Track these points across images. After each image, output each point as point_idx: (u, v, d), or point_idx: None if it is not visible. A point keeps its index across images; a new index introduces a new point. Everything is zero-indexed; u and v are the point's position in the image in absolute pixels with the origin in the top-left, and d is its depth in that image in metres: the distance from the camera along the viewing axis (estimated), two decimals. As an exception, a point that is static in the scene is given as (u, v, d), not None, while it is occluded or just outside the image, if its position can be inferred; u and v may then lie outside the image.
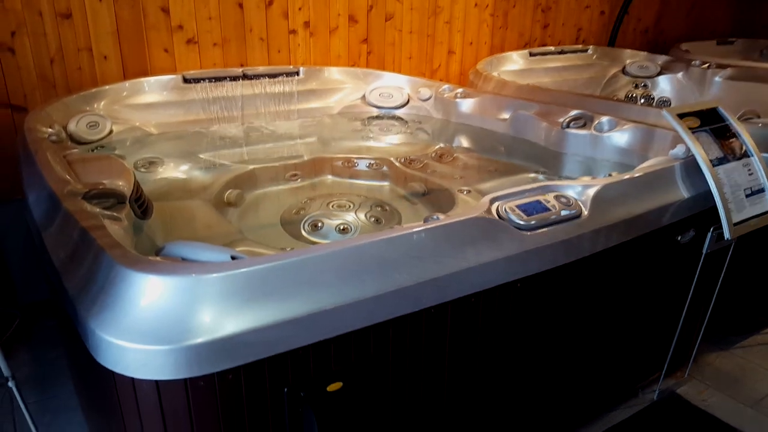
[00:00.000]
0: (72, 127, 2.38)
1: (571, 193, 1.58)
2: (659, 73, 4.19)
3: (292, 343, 1.13)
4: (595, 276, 1.64)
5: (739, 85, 3.87)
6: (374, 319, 1.21)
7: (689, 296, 1.97)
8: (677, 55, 4.44)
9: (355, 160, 2.62)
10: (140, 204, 1.74)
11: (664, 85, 4.20)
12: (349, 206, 2.19)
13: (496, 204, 1.47)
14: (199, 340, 1.03)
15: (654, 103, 4.19)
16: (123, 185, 1.70)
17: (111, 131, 2.54)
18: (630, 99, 4.21)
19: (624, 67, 4.28)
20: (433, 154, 2.70)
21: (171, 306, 1.05)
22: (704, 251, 1.91)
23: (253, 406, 1.16)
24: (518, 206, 1.47)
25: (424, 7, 3.60)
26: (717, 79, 4.00)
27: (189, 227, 1.95)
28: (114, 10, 2.67)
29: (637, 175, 1.70)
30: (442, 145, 2.85)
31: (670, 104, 4.19)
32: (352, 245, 1.20)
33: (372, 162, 2.60)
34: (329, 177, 2.59)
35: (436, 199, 2.26)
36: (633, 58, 4.29)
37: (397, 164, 2.55)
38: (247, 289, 1.09)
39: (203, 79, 2.83)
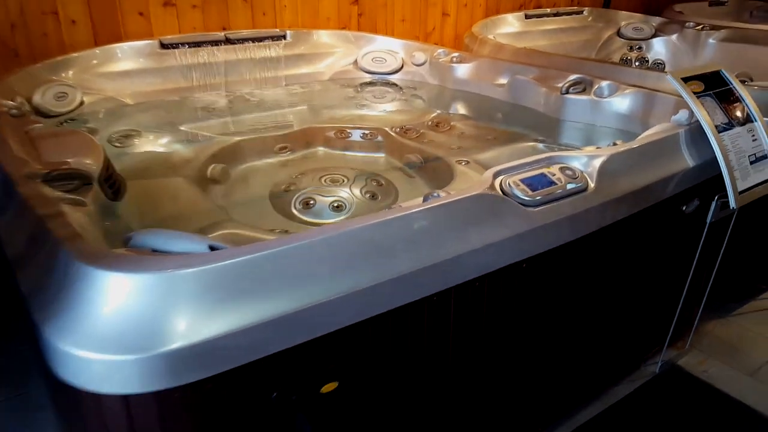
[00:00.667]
0: (37, 98, 2.22)
1: (576, 164, 1.48)
2: (654, 35, 4.11)
3: (280, 344, 1.02)
4: (601, 251, 1.55)
5: (732, 47, 3.80)
6: (371, 311, 1.11)
7: (693, 267, 1.89)
8: (671, 16, 4.34)
9: (349, 131, 2.50)
10: (111, 184, 1.62)
11: (659, 48, 4.11)
12: (343, 181, 2.08)
13: (499, 179, 1.37)
14: (173, 346, 0.91)
15: (648, 66, 4.10)
16: (91, 164, 1.57)
17: (82, 102, 2.39)
18: (625, 62, 4.11)
19: (619, 29, 4.17)
20: (430, 123, 2.58)
21: (139, 308, 0.92)
22: (708, 221, 1.83)
23: (237, 417, 1.05)
24: (523, 180, 1.37)
25: (417, -33, 3.44)
26: (711, 41, 3.91)
27: (168, 208, 1.83)
28: (83, -31, 2.50)
29: (642, 143, 1.61)
30: (438, 112, 2.74)
31: (664, 67, 4.11)
32: (344, 230, 1.09)
33: (366, 132, 2.48)
34: (321, 149, 2.47)
35: (434, 171, 2.16)
36: (628, 20, 4.19)
37: (393, 134, 2.44)
38: (227, 285, 0.98)
39: (182, 44, 2.67)
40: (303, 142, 2.47)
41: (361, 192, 2.02)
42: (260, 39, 2.84)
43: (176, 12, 2.76)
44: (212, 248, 1.08)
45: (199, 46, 2.72)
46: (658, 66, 4.09)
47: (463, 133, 2.49)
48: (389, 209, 1.22)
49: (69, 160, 1.56)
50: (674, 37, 4.02)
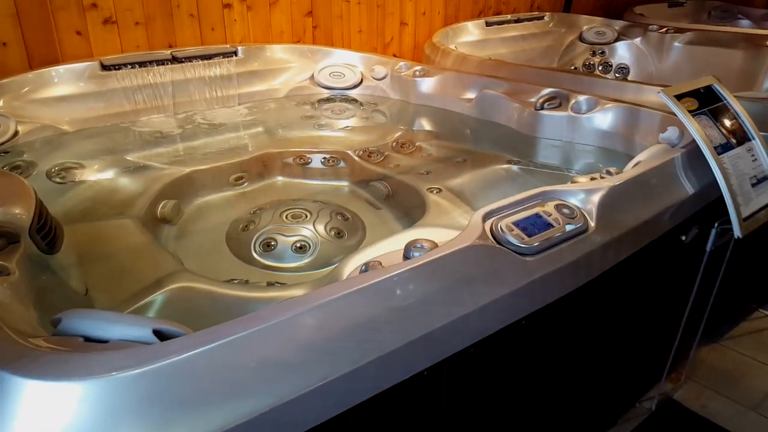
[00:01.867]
0: (-37, 131, 1.98)
1: (573, 200, 1.33)
2: (617, 39, 4.06)
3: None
4: (602, 296, 1.41)
5: (698, 50, 3.77)
6: (352, 400, 0.92)
7: (691, 297, 1.77)
8: (632, 18, 4.31)
9: (308, 156, 2.31)
10: (45, 234, 1.39)
11: (623, 52, 4.07)
12: (306, 216, 1.88)
13: (490, 222, 1.20)
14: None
15: (612, 71, 4.05)
16: (20, 214, 1.35)
17: (16, 133, 2.15)
18: (588, 67, 4.05)
19: (581, 34, 4.11)
20: (394, 143, 2.41)
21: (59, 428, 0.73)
22: (708, 249, 1.71)
23: None
24: (516, 223, 1.21)
25: (373, -25, 3.27)
26: (676, 44, 3.89)
27: (112, 259, 1.61)
28: (10, -12, 2.24)
29: (642, 172, 1.47)
30: (402, 131, 2.57)
31: (628, 72, 4.05)
32: (315, 304, 0.91)
33: (327, 157, 2.30)
34: (280, 178, 2.28)
35: (403, 201, 1.99)
36: (589, 24, 4.13)
37: (356, 158, 2.26)
38: (177, 389, 0.78)
39: (125, 65, 2.44)
40: (260, 171, 2.27)
41: (325, 229, 1.84)
42: (210, 56, 2.63)
43: (117, 30, 2.52)
44: (157, 333, 0.89)
45: (143, 66, 2.49)
46: (622, 70, 4.04)
47: (430, 154, 2.33)
48: (365, 270, 1.05)
49: (-8, 212, 1.33)
50: (638, 40, 3.97)
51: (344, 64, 2.92)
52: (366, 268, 1.07)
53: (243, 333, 0.85)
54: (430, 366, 1.02)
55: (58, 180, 2.05)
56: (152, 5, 2.57)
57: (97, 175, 2.11)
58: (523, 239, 1.18)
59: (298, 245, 1.79)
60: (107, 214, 1.89)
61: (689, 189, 1.55)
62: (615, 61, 4.04)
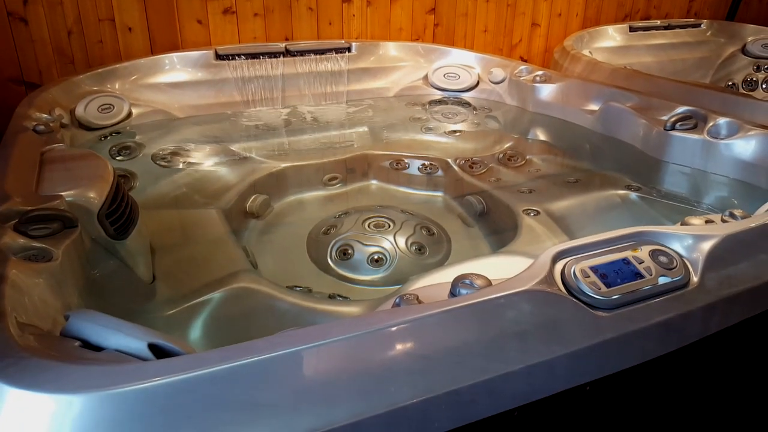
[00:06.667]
0: (80, 110, 2.10)
1: (676, 246, 1.10)
2: (789, 54, 3.51)
3: None
4: (699, 367, 1.15)
5: None
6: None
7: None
8: (812, 31, 3.72)
9: (407, 161, 2.19)
10: (115, 220, 1.40)
11: (794, 69, 3.52)
12: (388, 226, 1.78)
13: (561, 264, 1.01)
14: None
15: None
16: (93, 198, 1.36)
17: (129, 114, 2.25)
18: (749, 84, 3.55)
19: (744, 46, 3.62)
20: (501, 155, 2.23)
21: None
22: None
23: None
24: (595, 269, 1.01)
25: (505, -29, 3.08)
26: None
27: (186, 249, 1.61)
28: (139, -25, 2.35)
29: (773, 219, 1.19)
30: (512, 142, 2.37)
31: (799, 92, 3.51)
32: (323, 341, 0.79)
33: (426, 163, 2.17)
34: (374, 182, 2.20)
35: (495, 221, 1.82)
36: (756, 35, 3.63)
37: (456, 168, 2.11)
38: (148, 415, 0.71)
39: (238, 56, 2.48)
40: (356, 172, 2.20)
41: (406, 243, 1.72)
42: (323, 51, 2.60)
43: (236, 20, 2.57)
44: (155, 348, 0.82)
45: (256, 58, 2.51)
46: (792, 90, 3.51)
47: (539, 170, 2.12)
48: (398, 304, 0.91)
49: (64, 193, 1.36)
50: (815, 56, 3.43)
51: (461, 65, 2.77)
52: (399, 302, 0.94)
53: (234, 364, 0.75)
54: (453, 428, 0.86)
55: (162, 163, 2.11)
56: (272, -3, 2.59)
57: (198, 162, 2.15)
58: (600, 289, 0.98)
59: (375, 257, 1.70)
60: (197, 203, 1.91)
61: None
62: (784, 80, 3.52)
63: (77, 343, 0.83)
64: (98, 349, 0.83)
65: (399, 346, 0.83)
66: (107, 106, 2.20)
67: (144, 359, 0.80)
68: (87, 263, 1.27)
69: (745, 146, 1.80)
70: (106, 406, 0.70)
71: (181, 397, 0.73)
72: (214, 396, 0.74)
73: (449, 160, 2.15)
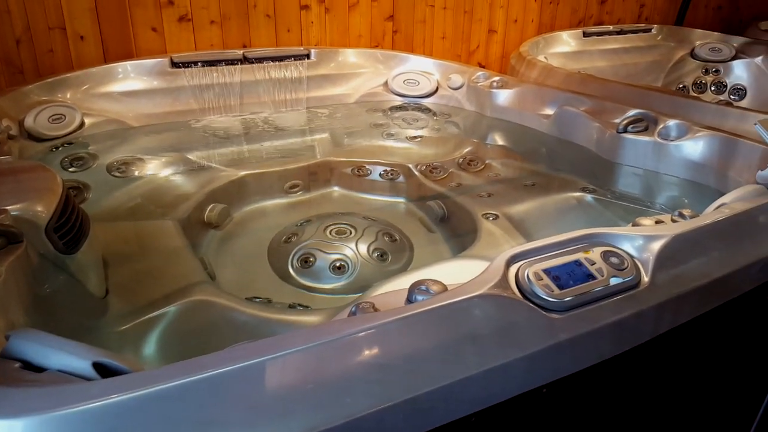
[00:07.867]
0: (29, 121, 2.04)
1: (626, 247, 1.12)
2: (734, 57, 3.65)
3: None
4: (653, 365, 1.18)
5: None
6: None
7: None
8: (755, 35, 3.87)
9: (368, 167, 2.19)
10: (64, 234, 1.36)
11: (740, 72, 3.66)
12: (350, 233, 1.77)
13: (515, 267, 1.02)
14: None
15: (727, 92, 3.64)
16: (40, 211, 1.32)
17: (82, 124, 2.20)
18: (699, 86, 3.67)
19: (693, 50, 3.73)
20: (461, 159, 2.25)
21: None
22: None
23: None
24: (548, 271, 1.02)
25: (461, -22, 3.11)
26: (805, 67, 3.43)
27: (141, 262, 1.57)
28: (91, -17, 2.30)
29: (720, 219, 1.22)
30: (472, 147, 2.39)
31: (745, 93, 3.63)
32: (276, 354, 0.78)
33: (387, 169, 2.17)
34: (336, 189, 2.19)
35: (456, 226, 1.83)
36: (704, 39, 3.75)
37: (417, 173, 2.12)
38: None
39: (195, 63, 2.44)
40: (317, 179, 2.19)
41: (368, 250, 1.71)
42: (281, 58, 2.59)
43: (192, 28, 2.54)
44: (98, 366, 0.80)
45: (213, 65, 2.48)
46: (738, 92, 3.63)
47: (497, 174, 2.14)
48: (354, 313, 0.91)
49: (9, 207, 1.31)
50: (759, 59, 3.56)
51: (420, 72, 2.78)
52: (356, 310, 0.93)
53: (183, 381, 0.74)
54: (413, 437, 0.86)
55: (117, 174, 2.07)
56: (228, 4, 2.56)
57: (154, 172, 2.11)
58: (553, 291, 0.99)
59: (337, 265, 1.68)
60: (153, 214, 1.87)
61: (785, 242, 1.28)
62: (730, 81, 3.64)
63: (17, 365, 0.80)
64: (40, 370, 0.81)
65: (355, 356, 0.83)
66: (58, 116, 2.15)
67: (88, 379, 0.78)
68: (34, 280, 1.23)
69: (693, 147, 1.85)
70: (48, 430, 0.68)
71: (128, 417, 0.71)
72: (163, 415, 0.72)
73: (410, 165, 2.16)
